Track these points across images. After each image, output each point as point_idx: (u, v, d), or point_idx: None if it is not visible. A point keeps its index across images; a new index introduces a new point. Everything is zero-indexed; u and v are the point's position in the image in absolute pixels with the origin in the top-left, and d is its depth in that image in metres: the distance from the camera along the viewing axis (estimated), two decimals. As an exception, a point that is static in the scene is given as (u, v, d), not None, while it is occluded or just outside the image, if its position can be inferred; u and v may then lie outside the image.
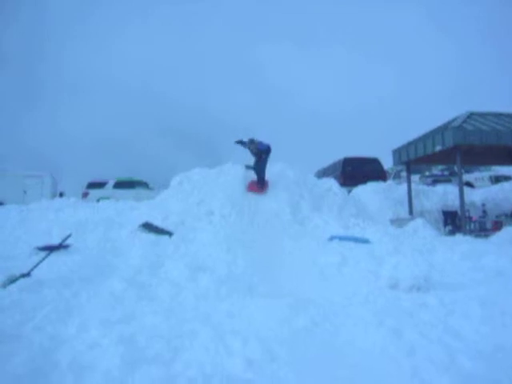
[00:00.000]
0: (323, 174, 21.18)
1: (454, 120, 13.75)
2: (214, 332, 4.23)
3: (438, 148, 13.14)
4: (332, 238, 9.30)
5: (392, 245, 8.51)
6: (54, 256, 6.93)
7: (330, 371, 3.50)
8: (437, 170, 24.85)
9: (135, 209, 12.15)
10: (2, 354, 3.66)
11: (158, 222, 10.23)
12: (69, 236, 7.23)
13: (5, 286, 5.59)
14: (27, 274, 5.98)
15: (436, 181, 22.61)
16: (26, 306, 4.96)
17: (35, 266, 6.18)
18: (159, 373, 3.40)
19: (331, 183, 14.05)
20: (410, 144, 15.17)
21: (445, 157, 14.49)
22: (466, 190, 15.20)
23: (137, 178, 21.37)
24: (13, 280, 5.73)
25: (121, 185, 20.34)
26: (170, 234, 9.54)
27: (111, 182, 20.49)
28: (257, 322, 4.63)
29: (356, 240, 9.06)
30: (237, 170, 13.80)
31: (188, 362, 3.61)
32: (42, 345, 3.91)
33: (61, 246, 7.39)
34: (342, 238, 9.19)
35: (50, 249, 7.15)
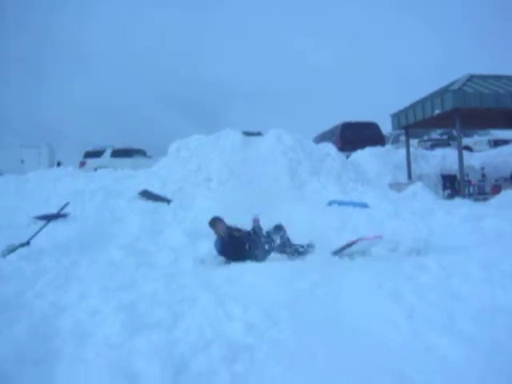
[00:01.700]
0: (321, 139, 20.93)
1: (453, 83, 13.54)
2: (213, 297, 4.24)
3: (437, 111, 12.97)
4: (331, 203, 9.29)
5: (391, 209, 8.50)
6: (53, 225, 6.91)
7: (330, 334, 3.51)
8: (436, 133, 24.63)
9: (133, 177, 12.07)
10: (5, 320, 3.69)
11: (156, 190, 10.19)
12: (67, 205, 7.20)
13: (4, 255, 5.59)
14: (26, 243, 5.98)
15: (435, 145, 22.44)
16: (27, 274, 4.98)
17: (34, 235, 6.17)
18: (160, 338, 3.41)
19: (329, 148, 13.96)
20: (408, 108, 14.98)
21: (444, 120, 14.34)
22: (465, 153, 15.06)
23: (134, 146, 21.19)
24: (12, 249, 5.73)
25: (118, 153, 20.14)
26: (168, 201, 9.51)
27: (108, 151, 20.30)
28: (256, 286, 4.65)
29: (355, 205, 9.04)
30: (234, 135, 13.69)
31: (188, 327, 3.62)
32: (43, 312, 3.94)
33: (59, 215, 7.37)
34: (340, 203, 9.18)
35: (49, 218, 7.13)
